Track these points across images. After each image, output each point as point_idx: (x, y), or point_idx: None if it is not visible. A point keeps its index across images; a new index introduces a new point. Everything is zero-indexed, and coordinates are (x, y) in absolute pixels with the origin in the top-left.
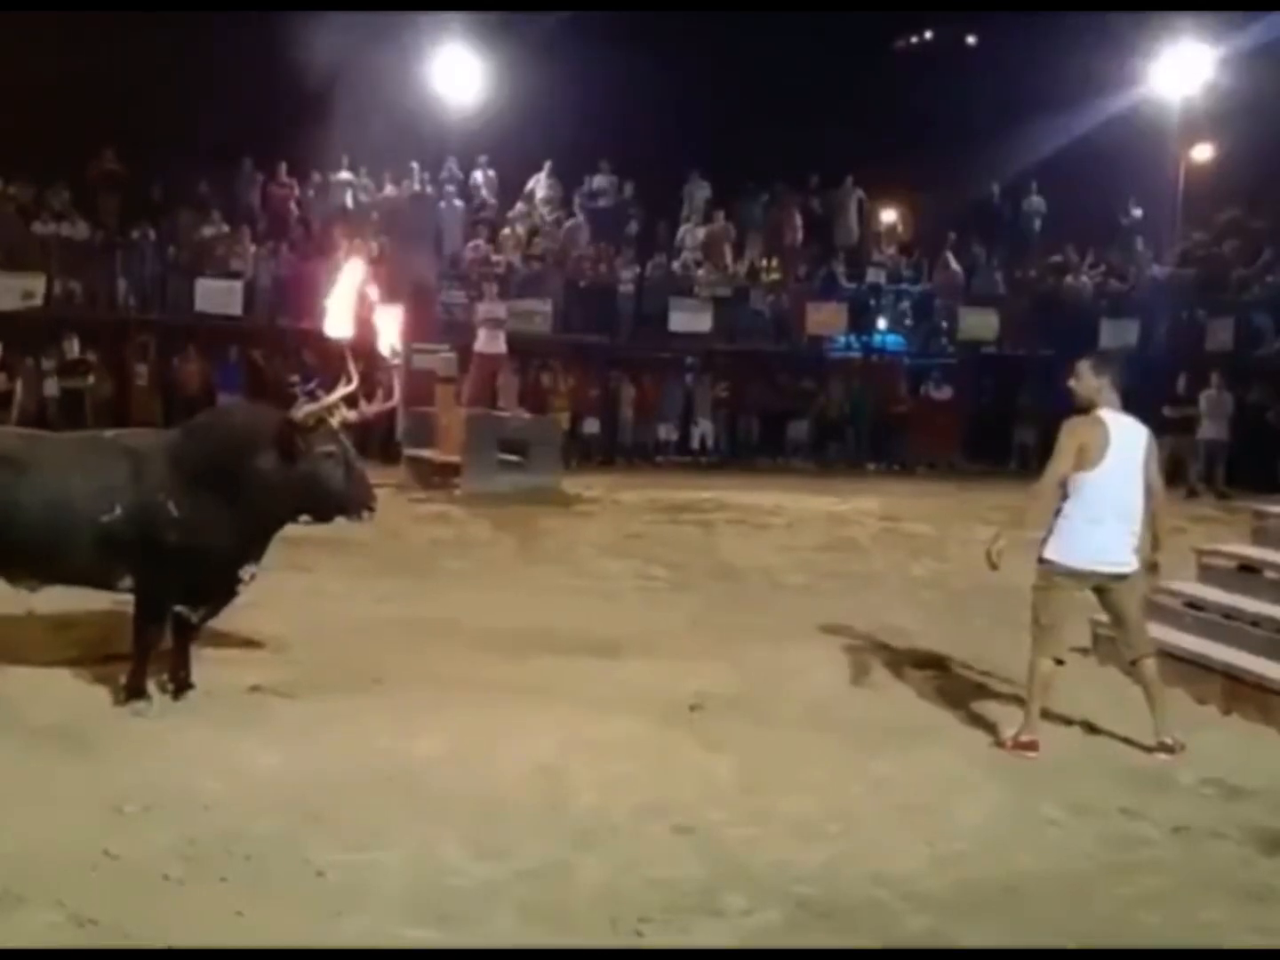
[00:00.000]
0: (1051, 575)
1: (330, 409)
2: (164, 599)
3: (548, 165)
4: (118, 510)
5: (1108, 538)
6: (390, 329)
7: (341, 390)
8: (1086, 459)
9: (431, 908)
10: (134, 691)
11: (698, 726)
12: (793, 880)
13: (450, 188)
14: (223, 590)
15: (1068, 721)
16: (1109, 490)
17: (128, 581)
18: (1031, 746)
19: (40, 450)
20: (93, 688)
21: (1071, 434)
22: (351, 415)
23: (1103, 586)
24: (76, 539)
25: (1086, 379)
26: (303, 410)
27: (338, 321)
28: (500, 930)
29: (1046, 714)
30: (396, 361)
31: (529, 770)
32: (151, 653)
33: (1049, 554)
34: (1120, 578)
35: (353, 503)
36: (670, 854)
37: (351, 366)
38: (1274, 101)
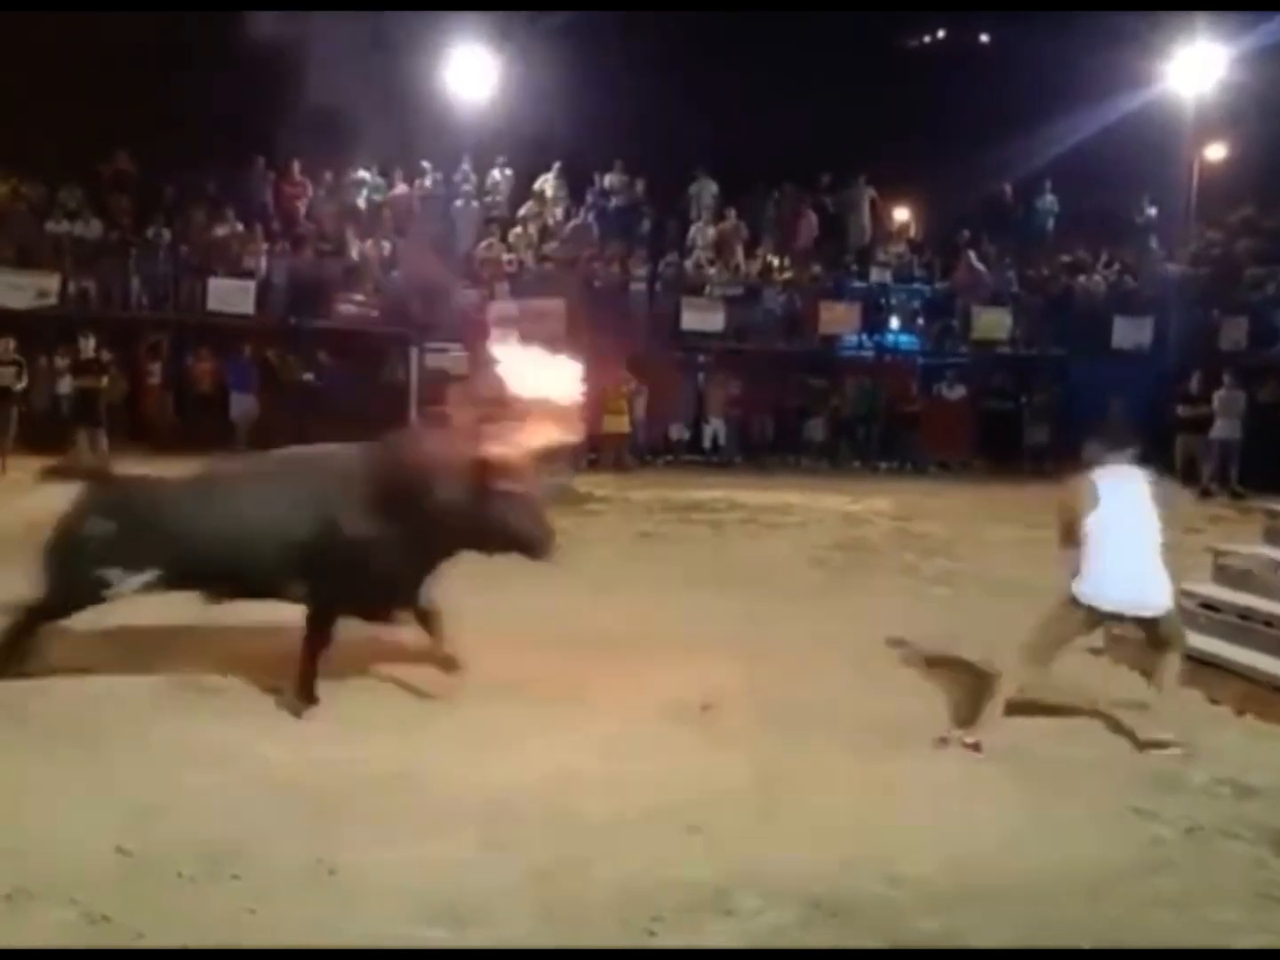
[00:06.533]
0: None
1: (524, 453)
2: (333, 613)
3: (556, 165)
4: (302, 527)
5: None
6: (565, 383)
7: (541, 439)
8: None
9: (443, 907)
10: (304, 694)
11: (709, 726)
12: (805, 880)
13: (467, 187)
14: (385, 609)
15: (1081, 722)
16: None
17: (302, 593)
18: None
19: (232, 468)
20: (104, 686)
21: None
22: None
23: None
24: (263, 554)
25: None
26: (497, 452)
27: (521, 379)
28: (512, 929)
29: (1061, 713)
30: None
31: (540, 770)
32: (318, 659)
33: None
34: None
35: (536, 544)
36: (682, 853)
37: (565, 425)
38: None
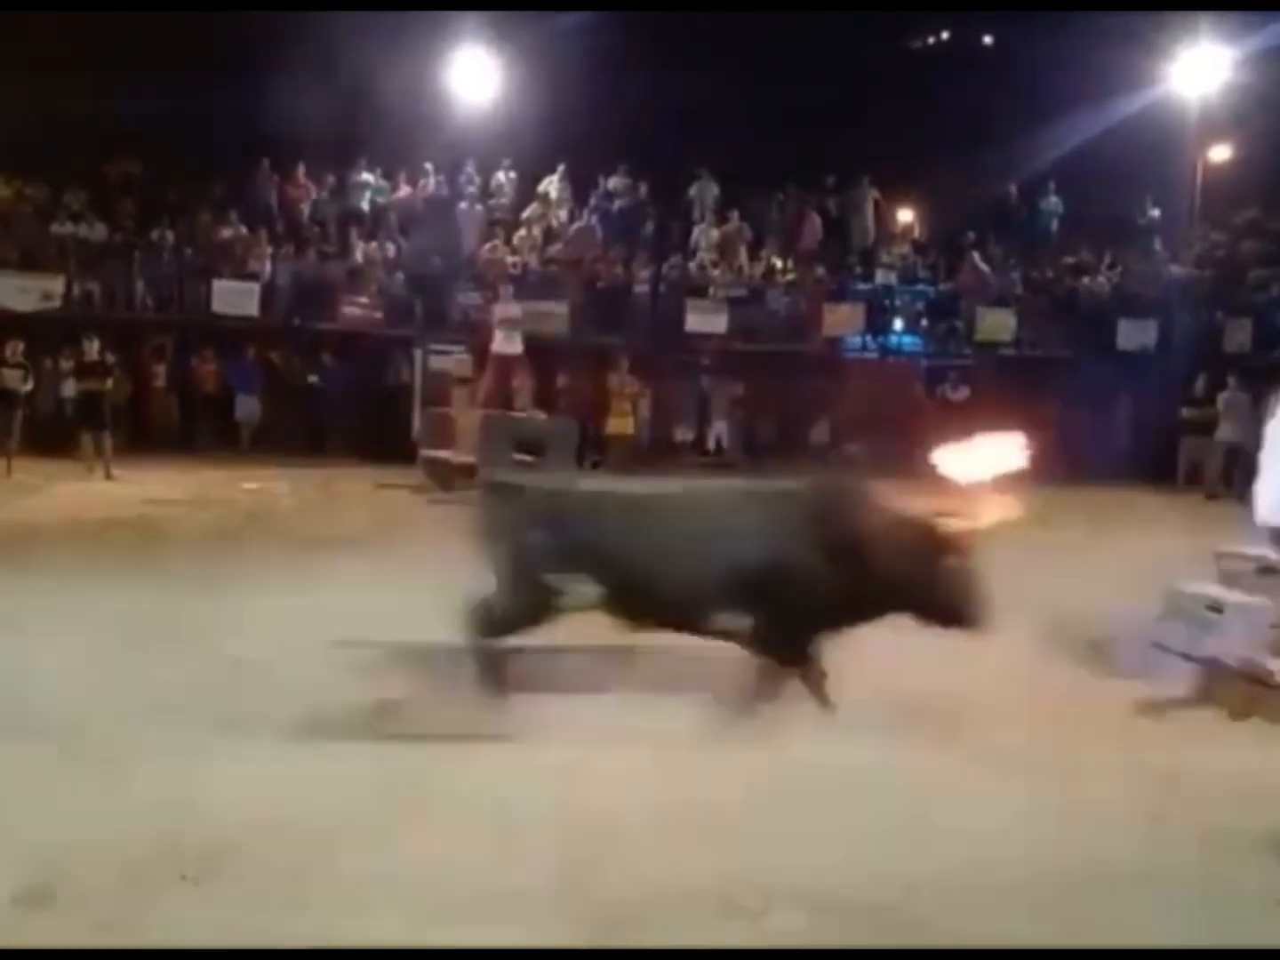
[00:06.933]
0: None
1: (975, 529)
2: (794, 640)
3: (561, 167)
4: (747, 560)
5: None
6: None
7: (991, 517)
8: None
9: (446, 909)
10: (824, 698)
11: (711, 727)
12: (808, 881)
13: (471, 189)
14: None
15: (1085, 723)
16: None
17: (740, 626)
18: None
19: (675, 498)
20: (105, 688)
21: None
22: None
23: None
24: (707, 585)
25: None
26: (956, 528)
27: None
28: (514, 931)
29: (1064, 713)
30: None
31: (543, 770)
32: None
33: None
34: None
35: (971, 618)
36: (685, 854)
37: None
38: None
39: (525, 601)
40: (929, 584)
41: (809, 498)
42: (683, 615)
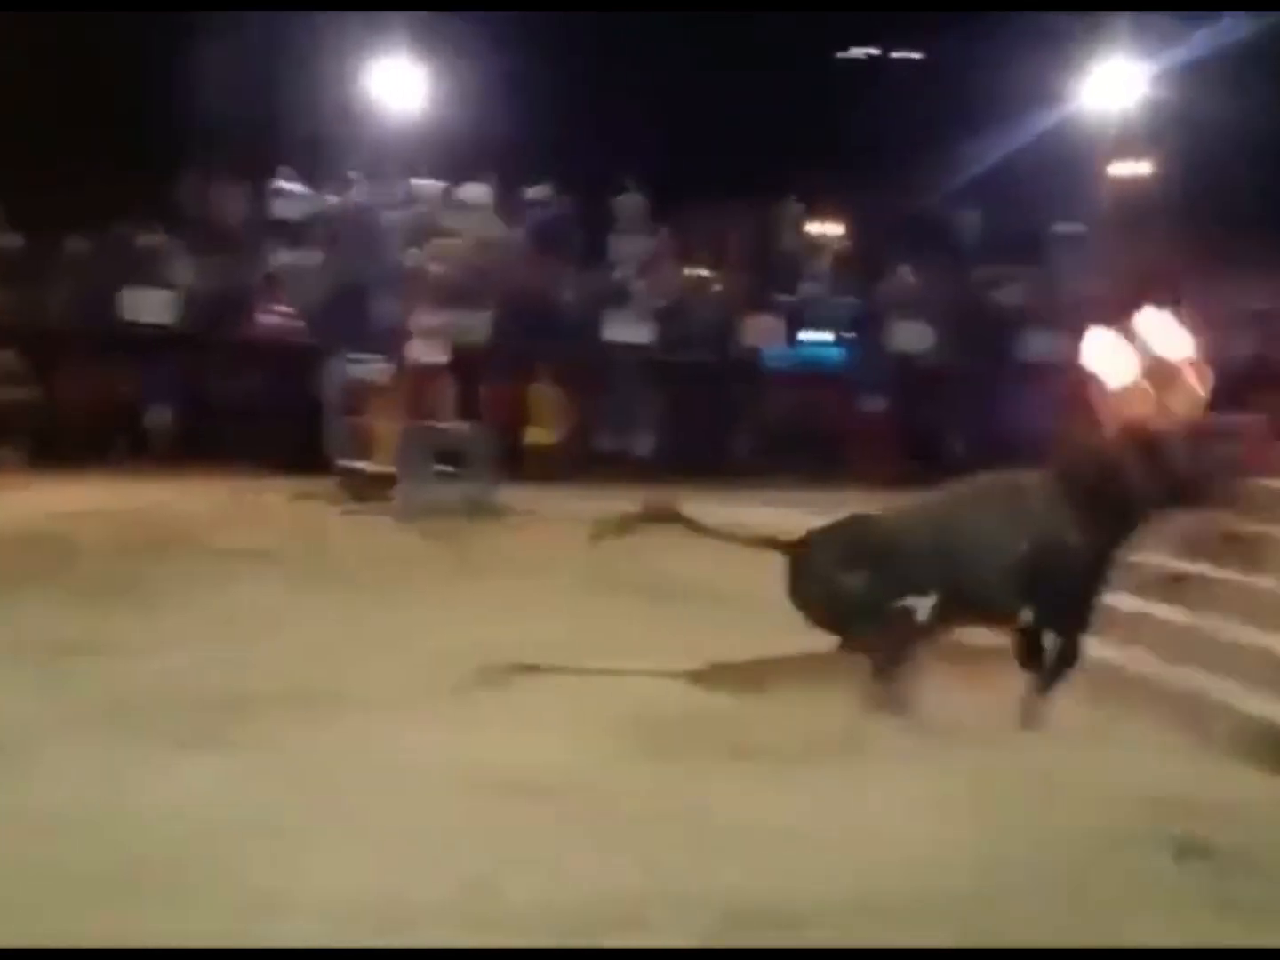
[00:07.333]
0: None
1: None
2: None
3: (486, 177)
4: (1025, 545)
5: None
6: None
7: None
8: None
9: (362, 920)
10: (1033, 723)
11: (643, 738)
12: (747, 892)
13: (393, 198)
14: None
15: (1050, 735)
16: None
17: (1026, 614)
18: None
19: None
20: (26, 701)
21: None
22: None
23: None
24: (993, 576)
25: None
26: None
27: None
28: (435, 943)
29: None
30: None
31: (462, 786)
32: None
33: None
34: None
35: (1223, 491)
36: (610, 867)
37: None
38: (1209, 117)
39: (890, 632)
40: (1168, 476)
41: (1064, 469)
42: (999, 607)
